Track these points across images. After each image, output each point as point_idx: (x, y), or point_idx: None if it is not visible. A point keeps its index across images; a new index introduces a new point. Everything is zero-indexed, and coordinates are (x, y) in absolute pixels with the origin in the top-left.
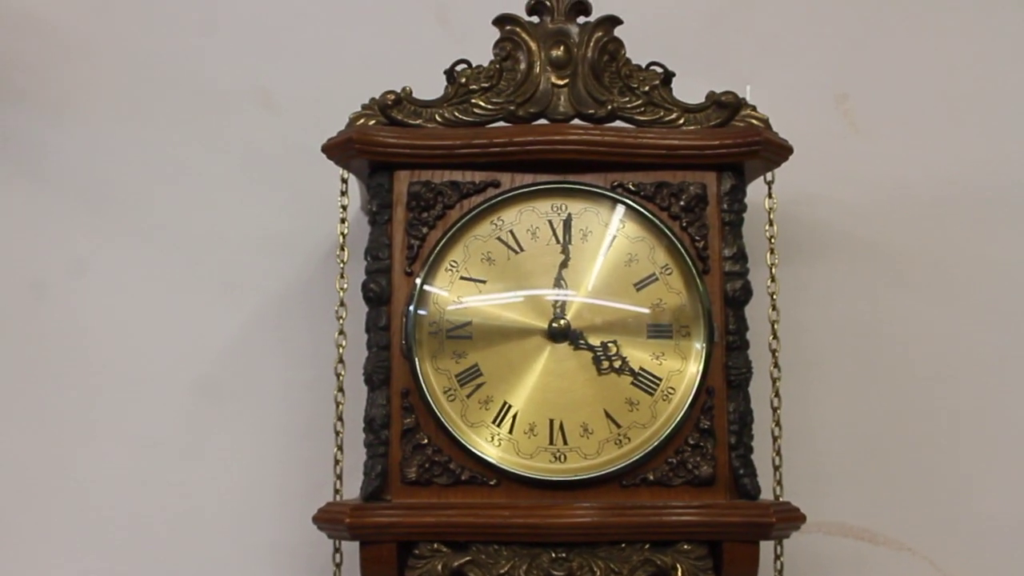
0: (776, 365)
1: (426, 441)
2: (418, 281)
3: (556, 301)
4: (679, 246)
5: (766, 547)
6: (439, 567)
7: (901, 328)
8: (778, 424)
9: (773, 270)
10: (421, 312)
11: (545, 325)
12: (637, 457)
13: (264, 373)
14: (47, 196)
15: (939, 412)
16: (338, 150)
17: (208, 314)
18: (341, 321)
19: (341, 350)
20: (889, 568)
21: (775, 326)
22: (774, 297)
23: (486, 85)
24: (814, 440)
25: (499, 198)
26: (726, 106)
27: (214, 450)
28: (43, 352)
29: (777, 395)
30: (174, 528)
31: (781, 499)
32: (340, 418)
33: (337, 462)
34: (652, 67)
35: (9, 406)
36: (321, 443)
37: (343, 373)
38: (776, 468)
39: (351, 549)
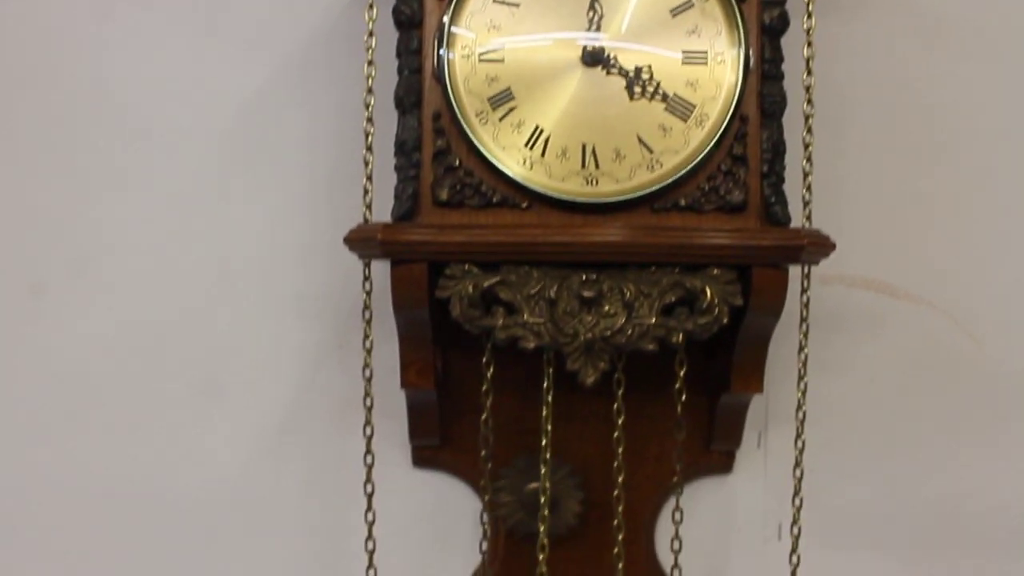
0: (810, 102)
1: (457, 163)
2: (451, 3)
3: (590, 24)
4: None
5: (792, 286)
6: (469, 288)
7: (936, 85)
8: (809, 160)
9: (810, 7)
10: (453, 35)
11: (578, 49)
12: (669, 182)
13: (288, 121)
14: None
15: (968, 170)
16: None
17: (230, 64)
18: (371, 51)
19: (371, 81)
20: (909, 322)
21: (810, 63)
22: (810, 33)
23: None
24: (841, 189)
25: None
26: None
27: (240, 200)
28: (68, 109)
29: (809, 131)
30: (200, 280)
31: None
32: (369, 148)
33: (367, 192)
34: None
35: (37, 160)
36: (347, 191)
37: (372, 103)
38: (806, 204)
39: (381, 284)
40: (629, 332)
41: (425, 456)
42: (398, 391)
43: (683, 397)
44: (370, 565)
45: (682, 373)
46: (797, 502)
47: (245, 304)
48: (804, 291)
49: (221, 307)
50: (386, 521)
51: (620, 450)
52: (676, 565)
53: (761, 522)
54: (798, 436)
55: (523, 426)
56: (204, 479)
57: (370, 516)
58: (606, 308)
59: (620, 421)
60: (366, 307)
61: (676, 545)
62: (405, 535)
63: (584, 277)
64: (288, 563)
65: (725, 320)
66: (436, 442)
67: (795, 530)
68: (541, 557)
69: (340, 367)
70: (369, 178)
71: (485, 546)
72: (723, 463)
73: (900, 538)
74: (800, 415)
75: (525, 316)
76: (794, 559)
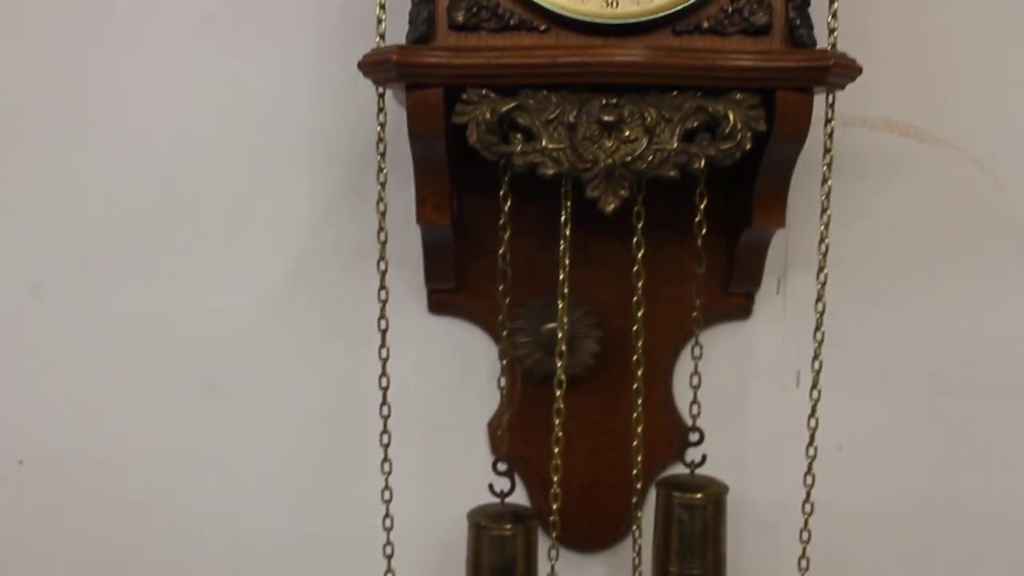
0: None
1: None
2: None
3: None
4: None
5: (814, 132)
6: (487, 113)
7: None
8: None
9: None
10: None
11: None
12: (691, 3)
13: None
14: None
15: (1001, 10)
16: None
17: None
18: None
19: None
20: (933, 166)
21: None
22: None
23: None
24: (866, 23)
25: None
26: None
27: (249, 38)
28: None
29: None
30: (211, 123)
31: None
32: None
33: (380, 21)
34: None
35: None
36: (359, 23)
37: None
38: (831, 31)
39: (395, 124)
40: (650, 158)
41: (441, 301)
42: (413, 239)
43: (703, 230)
44: (384, 402)
45: (703, 206)
46: (819, 336)
47: (257, 146)
48: (828, 121)
49: (233, 150)
50: (401, 365)
51: (639, 284)
52: (695, 401)
53: (779, 369)
54: (820, 270)
55: (539, 268)
56: (218, 324)
57: (384, 353)
58: (627, 133)
59: (640, 255)
60: (380, 139)
61: (695, 381)
62: (421, 378)
63: (604, 101)
64: (303, 405)
65: (748, 146)
66: (452, 285)
67: (816, 365)
68: (558, 393)
69: (354, 214)
70: (382, 6)
71: (503, 382)
72: (742, 307)
73: (920, 383)
74: (823, 248)
75: (544, 142)
76: (814, 394)
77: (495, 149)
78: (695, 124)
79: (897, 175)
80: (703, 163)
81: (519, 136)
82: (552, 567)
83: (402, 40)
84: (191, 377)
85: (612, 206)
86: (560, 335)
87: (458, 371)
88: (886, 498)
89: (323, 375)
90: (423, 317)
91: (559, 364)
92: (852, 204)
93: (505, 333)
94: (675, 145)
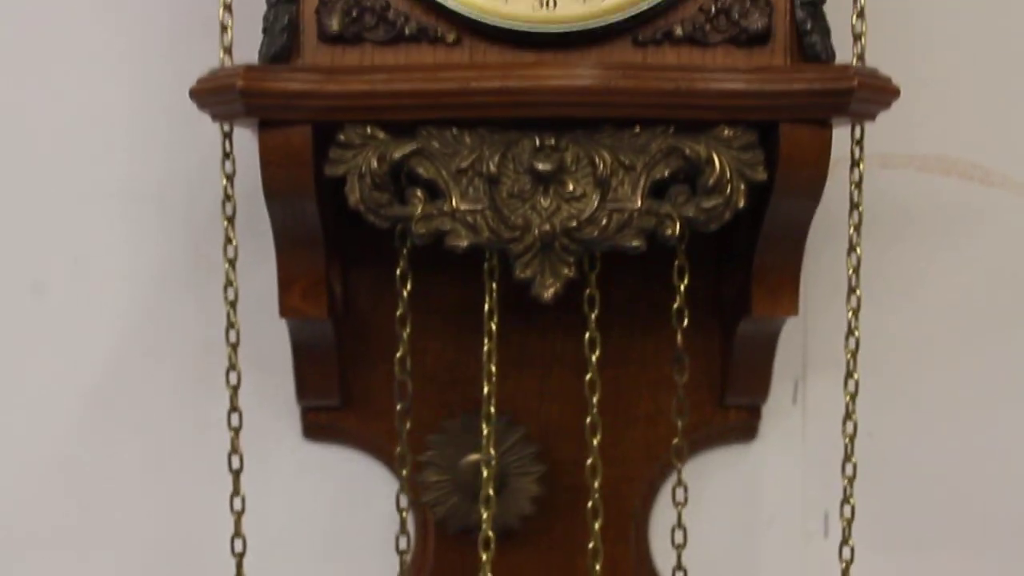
0: None
1: None
2: None
3: None
4: None
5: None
6: (373, 160)
7: None
8: None
9: None
10: None
11: None
12: (659, 1)
13: None
14: None
15: None
16: None
17: None
18: None
19: None
20: (1002, 215)
21: None
22: None
23: None
24: (906, 25)
25: None
26: None
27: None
28: None
29: None
30: None
31: None
32: None
33: (225, 29)
34: None
35: None
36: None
37: None
38: (857, 38)
39: (248, 161)
40: (604, 222)
41: (320, 423)
42: (280, 333)
43: (684, 322)
44: (238, 573)
45: (683, 286)
46: (849, 469)
47: (59, 199)
48: (855, 164)
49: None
50: (264, 517)
51: (595, 399)
52: (680, 567)
53: (799, 511)
54: (848, 376)
55: (457, 375)
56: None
57: (238, 503)
58: (570, 187)
59: (595, 357)
60: (227, 198)
61: (679, 538)
62: (292, 535)
63: (538, 142)
64: None
65: (741, 203)
66: (335, 402)
67: (848, 506)
68: (485, 558)
69: (200, 300)
70: (227, 7)
71: (405, 545)
72: (744, 425)
73: (988, 531)
74: (851, 344)
75: (454, 201)
76: (846, 548)
77: (386, 212)
78: (667, 173)
79: (958, 233)
80: (679, 228)
81: (420, 193)
82: None
83: (255, 57)
84: None
85: (551, 291)
86: (487, 473)
87: (345, 523)
88: None
89: (151, 532)
90: (295, 445)
91: (485, 517)
92: (895, 275)
93: (405, 473)
94: (639, 204)
